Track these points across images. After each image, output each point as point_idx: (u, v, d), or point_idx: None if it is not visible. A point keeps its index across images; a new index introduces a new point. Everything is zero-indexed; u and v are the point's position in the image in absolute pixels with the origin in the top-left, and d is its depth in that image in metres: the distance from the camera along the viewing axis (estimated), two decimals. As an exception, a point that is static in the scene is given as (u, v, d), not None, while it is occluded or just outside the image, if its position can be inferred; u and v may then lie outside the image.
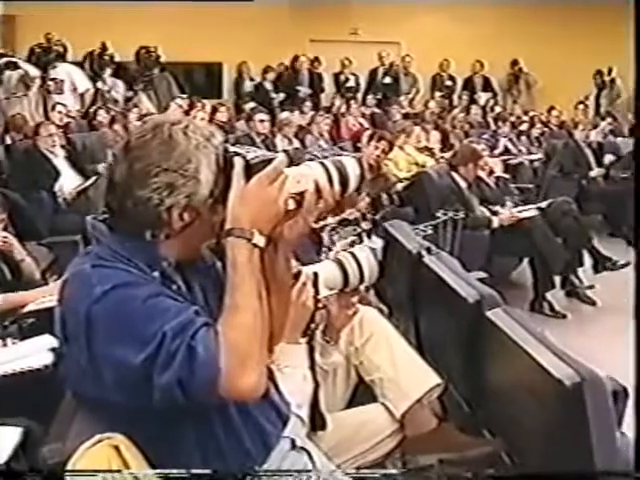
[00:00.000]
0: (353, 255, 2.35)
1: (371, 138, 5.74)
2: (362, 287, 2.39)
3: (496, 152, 8.34)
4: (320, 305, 2.21)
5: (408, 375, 2.44)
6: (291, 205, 1.55)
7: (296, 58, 12.04)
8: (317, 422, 2.22)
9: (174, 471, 1.53)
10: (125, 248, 1.55)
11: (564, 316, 5.29)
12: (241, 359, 1.41)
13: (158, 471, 1.52)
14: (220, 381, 1.39)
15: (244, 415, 1.65)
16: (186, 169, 1.50)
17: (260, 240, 1.48)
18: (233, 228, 1.47)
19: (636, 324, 2.81)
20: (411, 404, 2.39)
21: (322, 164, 1.61)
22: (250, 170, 1.51)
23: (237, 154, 1.53)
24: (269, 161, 1.51)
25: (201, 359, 1.39)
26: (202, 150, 1.52)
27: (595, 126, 8.61)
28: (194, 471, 1.54)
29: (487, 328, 2.19)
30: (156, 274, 1.55)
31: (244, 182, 1.50)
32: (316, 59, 12.28)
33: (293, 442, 1.86)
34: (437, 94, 11.85)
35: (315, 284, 2.14)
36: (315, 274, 2.16)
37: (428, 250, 2.81)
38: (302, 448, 1.88)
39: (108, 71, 10.51)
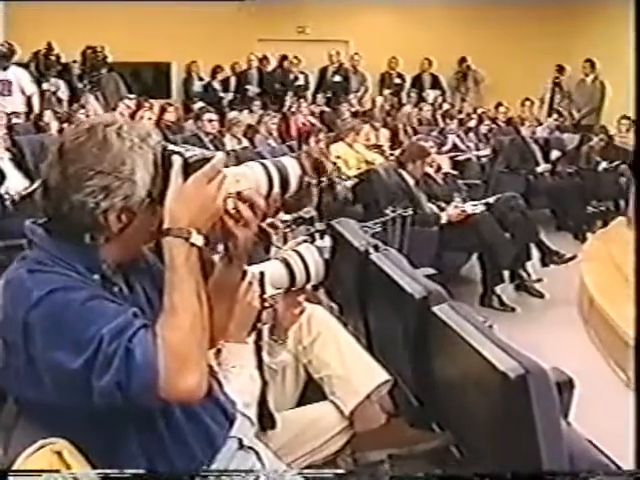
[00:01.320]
0: (299, 254, 2.34)
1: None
2: (309, 286, 2.38)
3: (444, 149, 8.42)
4: (267, 304, 2.19)
5: (356, 372, 2.44)
6: (230, 205, 1.54)
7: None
8: (266, 421, 2.21)
9: (115, 471, 1.51)
10: (64, 252, 1.52)
11: (513, 309, 5.35)
12: (180, 360, 1.40)
13: (98, 471, 1.50)
14: (159, 383, 1.38)
15: (188, 416, 1.64)
16: (121, 171, 1.48)
17: (198, 239, 1.46)
18: (171, 228, 1.45)
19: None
20: (360, 401, 2.39)
21: (262, 164, 1.60)
22: (188, 169, 1.49)
23: (175, 153, 1.51)
24: (207, 160, 1.49)
25: (139, 361, 1.38)
26: (137, 151, 1.50)
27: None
28: (129, 471, 1.52)
29: (434, 323, 2.20)
30: (96, 277, 1.53)
31: (182, 181, 1.48)
32: (265, 58, 12.26)
33: (240, 442, 1.85)
34: (386, 92, 11.90)
35: (261, 283, 2.13)
36: (261, 273, 2.15)
37: (375, 247, 2.82)
38: (250, 448, 1.87)
39: (54, 72, 10.36)
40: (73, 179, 1.48)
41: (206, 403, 1.65)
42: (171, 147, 1.54)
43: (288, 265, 2.30)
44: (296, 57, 12.31)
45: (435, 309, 2.20)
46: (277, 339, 2.42)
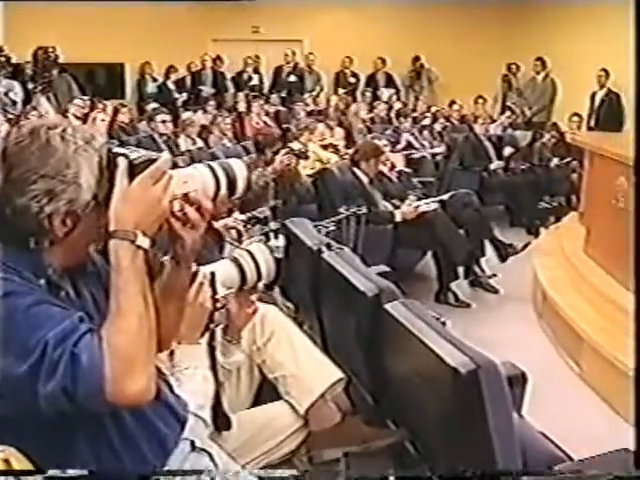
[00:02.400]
0: (250, 253, 2.34)
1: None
2: (261, 285, 2.38)
3: (398, 147, 8.46)
4: (219, 305, 2.19)
5: (310, 371, 2.45)
6: (177, 207, 1.53)
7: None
8: (221, 423, 2.21)
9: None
10: (8, 257, 1.49)
11: (468, 305, 5.40)
12: (127, 364, 1.38)
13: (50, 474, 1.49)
14: (106, 387, 1.36)
15: (139, 419, 1.63)
16: (65, 174, 1.45)
17: (144, 241, 1.44)
18: (116, 230, 1.44)
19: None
20: (314, 400, 2.40)
21: (209, 166, 1.59)
22: (134, 170, 1.47)
23: (120, 155, 1.49)
24: (153, 161, 1.48)
25: (85, 366, 1.36)
26: (82, 154, 1.47)
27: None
28: (71, 472, 1.50)
29: (386, 321, 2.21)
30: (42, 282, 1.50)
31: (127, 183, 1.47)
32: (218, 58, 12.22)
33: (193, 444, 1.85)
34: (341, 91, 11.93)
35: (212, 283, 2.12)
36: (212, 273, 2.14)
37: (328, 246, 2.82)
38: (203, 450, 1.87)
39: (4, 73, 10.18)
40: (16, 183, 1.45)
41: (156, 406, 1.64)
42: (116, 149, 1.53)
43: (239, 264, 2.30)
44: (250, 57, 12.29)
45: (387, 306, 2.21)
46: (231, 339, 2.42)
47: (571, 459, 2.32)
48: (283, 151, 5.58)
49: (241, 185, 1.60)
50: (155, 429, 1.70)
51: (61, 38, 10.82)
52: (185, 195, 1.54)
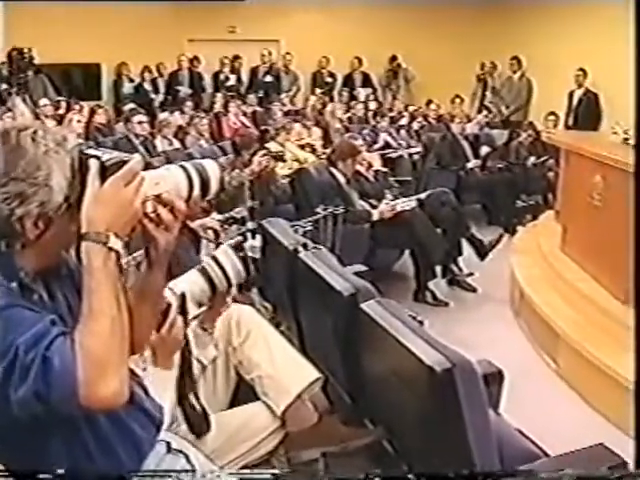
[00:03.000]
0: (216, 260, 2.35)
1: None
2: (233, 290, 2.40)
3: (376, 146, 8.48)
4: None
5: (287, 372, 2.45)
6: (150, 208, 1.52)
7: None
8: (198, 425, 2.22)
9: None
10: None
11: (446, 304, 5.40)
12: (99, 367, 1.37)
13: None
14: (79, 390, 1.35)
15: (113, 422, 1.62)
16: (36, 177, 1.44)
17: (116, 243, 1.43)
18: (88, 232, 1.42)
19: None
20: (291, 400, 2.40)
21: (182, 167, 1.58)
22: (105, 172, 1.46)
23: (92, 156, 1.48)
24: (125, 162, 1.47)
25: (57, 370, 1.35)
26: (53, 156, 1.46)
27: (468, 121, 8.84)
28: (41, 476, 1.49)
29: (362, 320, 2.22)
30: (14, 285, 1.49)
31: (99, 184, 1.46)
32: (195, 58, 12.18)
33: (169, 445, 1.84)
34: (318, 91, 11.93)
35: (183, 308, 2.15)
36: (183, 296, 2.16)
37: (304, 246, 2.83)
38: (179, 451, 1.86)
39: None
40: None
41: (131, 409, 1.63)
42: (88, 151, 1.51)
43: (207, 274, 2.32)
44: (227, 57, 12.27)
45: (363, 306, 2.22)
46: (206, 328, 2.43)
47: (547, 455, 2.34)
48: (261, 152, 5.57)
49: (214, 186, 1.59)
50: (130, 432, 1.69)
51: (36, 38, 10.73)
52: (158, 196, 1.53)
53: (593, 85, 10.10)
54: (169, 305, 2.03)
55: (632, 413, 2.60)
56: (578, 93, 10.20)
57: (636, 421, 2.54)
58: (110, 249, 1.43)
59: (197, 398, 2.27)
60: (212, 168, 1.59)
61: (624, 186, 4.33)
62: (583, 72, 10.06)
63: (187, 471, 1.80)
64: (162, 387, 2.09)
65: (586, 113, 9.98)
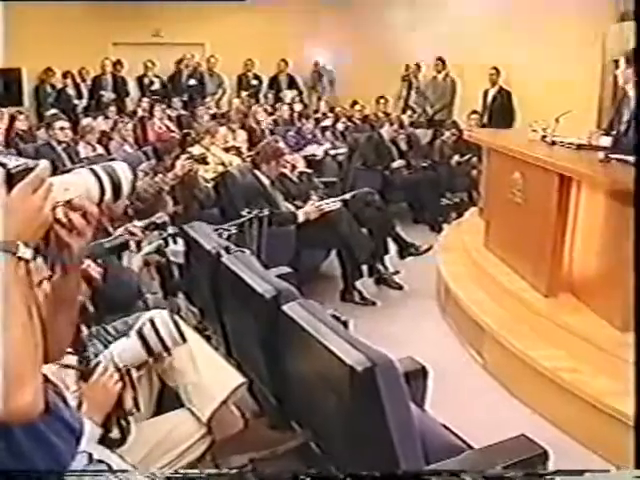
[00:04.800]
0: (152, 323, 2.38)
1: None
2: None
3: (307, 149, 8.50)
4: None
5: (211, 378, 2.43)
6: (61, 214, 1.49)
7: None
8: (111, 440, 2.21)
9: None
10: None
11: (374, 303, 5.43)
12: (12, 377, 1.33)
13: None
14: None
15: (30, 435, 1.58)
16: None
17: (26, 252, 1.40)
18: None
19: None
20: (216, 407, 2.39)
21: (92, 170, 1.55)
22: (12, 180, 1.42)
23: (-3, 164, 1.44)
24: (32, 169, 1.43)
25: None
26: None
27: (392, 122, 8.86)
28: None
29: (284, 322, 2.22)
30: None
31: (5, 192, 1.42)
32: (119, 62, 12.01)
33: (90, 456, 1.81)
34: (243, 94, 11.89)
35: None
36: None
37: (227, 250, 2.81)
38: (101, 461, 1.83)
39: None
40: None
41: (49, 420, 1.60)
42: None
43: (144, 339, 2.37)
44: (150, 61, 12.13)
45: (285, 308, 2.22)
46: None
47: (471, 448, 2.38)
48: (183, 157, 5.52)
49: (126, 188, 1.57)
50: (49, 444, 1.65)
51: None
52: (68, 202, 1.50)
53: (506, 83, 10.31)
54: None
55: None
56: (492, 91, 10.39)
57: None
58: (20, 258, 1.39)
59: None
60: (123, 170, 1.57)
61: (542, 182, 4.44)
62: (496, 71, 10.26)
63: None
64: None
65: (500, 111, 10.17)
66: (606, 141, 4.69)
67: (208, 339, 3.06)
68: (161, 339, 2.38)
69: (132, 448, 2.26)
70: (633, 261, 3.21)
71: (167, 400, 2.59)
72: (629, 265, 3.68)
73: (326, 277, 5.78)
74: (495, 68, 10.24)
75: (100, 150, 7.55)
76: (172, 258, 3.19)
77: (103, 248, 3.20)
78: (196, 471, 2.28)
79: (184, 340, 2.42)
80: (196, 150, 6.18)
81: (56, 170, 1.56)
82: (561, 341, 3.95)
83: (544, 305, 4.28)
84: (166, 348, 2.40)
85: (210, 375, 2.43)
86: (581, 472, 1.83)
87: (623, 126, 4.76)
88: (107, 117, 9.31)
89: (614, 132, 4.81)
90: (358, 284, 5.46)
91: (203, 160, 5.76)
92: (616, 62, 5.24)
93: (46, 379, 1.49)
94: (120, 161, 1.65)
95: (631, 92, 4.75)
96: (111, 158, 6.83)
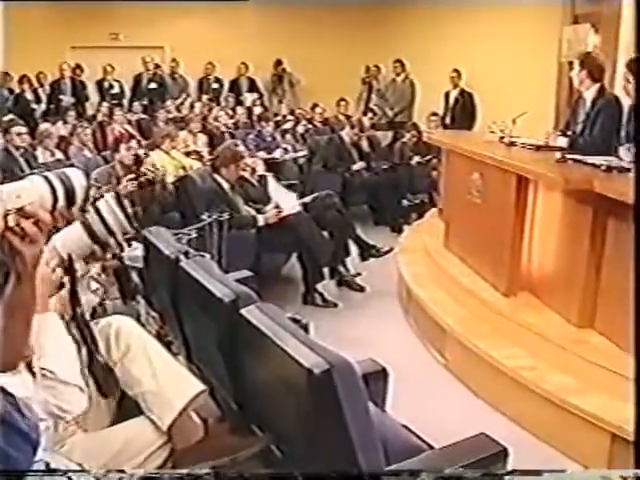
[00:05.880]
0: (97, 211, 2.37)
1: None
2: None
3: (275, 153, 8.50)
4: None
5: (170, 385, 2.40)
6: (12, 222, 1.47)
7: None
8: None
9: None
10: None
11: (335, 305, 5.44)
12: None
13: None
14: None
15: None
16: None
17: None
18: None
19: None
20: (176, 415, 2.36)
21: (44, 177, 1.54)
22: None
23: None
24: None
25: None
26: None
27: (353, 125, 8.87)
28: None
29: (243, 326, 2.21)
30: None
31: None
32: (78, 66, 11.89)
33: (48, 465, 1.79)
34: (204, 97, 11.85)
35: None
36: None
37: (185, 254, 2.80)
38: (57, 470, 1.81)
39: None
40: None
41: (4, 430, 1.57)
42: None
43: (88, 227, 2.33)
44: (110, 65, 12.03)
45: (243, 311, 2.21)
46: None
47: (432, 448, 2.39)
48: (130, 176, 5.46)
49: (80, 194, 1.56)
50: (4, 455, 1.63)
51: None
52: (20, 209, 1.49)
53: (468, 85, 10.41)
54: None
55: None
56: (454, 93, 10.49)
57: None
58: None
59: None
60: (77, 177, 1.56)
61: (501, 183, 4.49)
62: (457, 73, 10.36)
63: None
64: None
65: (462, 112, 10.27)
66: (563, 141, 4.76)
67: (169, 345, 3.04)
68: (104, 222, 2.33)
69: (91, 456, 2.24)
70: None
71: (127, 409, 2.56)
72: (584, 263, 3.75)
73: (287, 280, 5.78)
74: (456, 70, 10.34)
75: (59, 155, 7.47)
76: (129, 262, 3.15)
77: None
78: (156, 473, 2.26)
79: (131, 225, 2.37)
80: (156, 156, 6.15)
81: (14, 176, 1.55)
82: (521, 340, 4.00)
83: (504, 304, 4.32)
84: (111, 232, 2.35)
85: (168, 383, 2.40)
86: (538, 472, 1.85)
87: (579, 127, 4.84)
88: (66, 122, 9.22)
89: (570, 133, 4.88)
90: (319, 287, 5.47)
91: (156, 174, 5.70)
92: (570, 64, 5.32)
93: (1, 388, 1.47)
94: (79, 166, 1.63)
95: (586, 94, 4.83)
96: (70, 164, 6.76)
